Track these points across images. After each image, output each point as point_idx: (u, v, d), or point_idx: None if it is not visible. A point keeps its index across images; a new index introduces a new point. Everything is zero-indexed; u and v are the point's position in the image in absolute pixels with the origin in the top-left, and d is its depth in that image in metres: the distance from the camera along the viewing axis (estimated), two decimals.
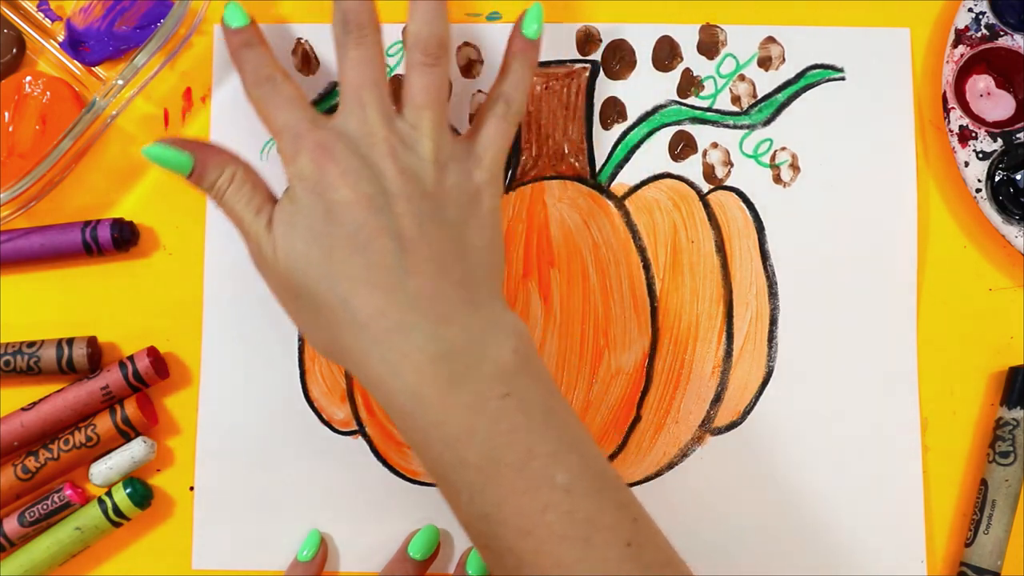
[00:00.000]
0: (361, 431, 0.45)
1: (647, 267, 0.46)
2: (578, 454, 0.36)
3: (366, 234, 0.37)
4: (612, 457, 0.45)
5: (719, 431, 0.45)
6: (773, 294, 0.45)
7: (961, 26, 0.45)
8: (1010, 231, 0.45)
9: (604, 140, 0.46)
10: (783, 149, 0.46)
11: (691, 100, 0.46)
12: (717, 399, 0.45)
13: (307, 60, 0.46)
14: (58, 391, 0.44)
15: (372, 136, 0.38)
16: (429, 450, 0.37)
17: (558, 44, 0.46)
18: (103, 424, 0.44)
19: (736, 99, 0.46)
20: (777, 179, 0.46)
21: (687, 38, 0.46)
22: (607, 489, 0.36)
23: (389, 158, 0.38)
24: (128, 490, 0.43)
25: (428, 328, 0.36)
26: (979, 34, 0.45)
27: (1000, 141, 0.45)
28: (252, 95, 0.40)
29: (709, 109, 0.46)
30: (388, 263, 0.37)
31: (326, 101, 0.46)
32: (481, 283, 0.38)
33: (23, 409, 0.44)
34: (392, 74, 0.46)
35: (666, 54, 0.46)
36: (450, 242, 0.38)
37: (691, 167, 0.46)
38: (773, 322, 0.45)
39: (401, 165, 0.38)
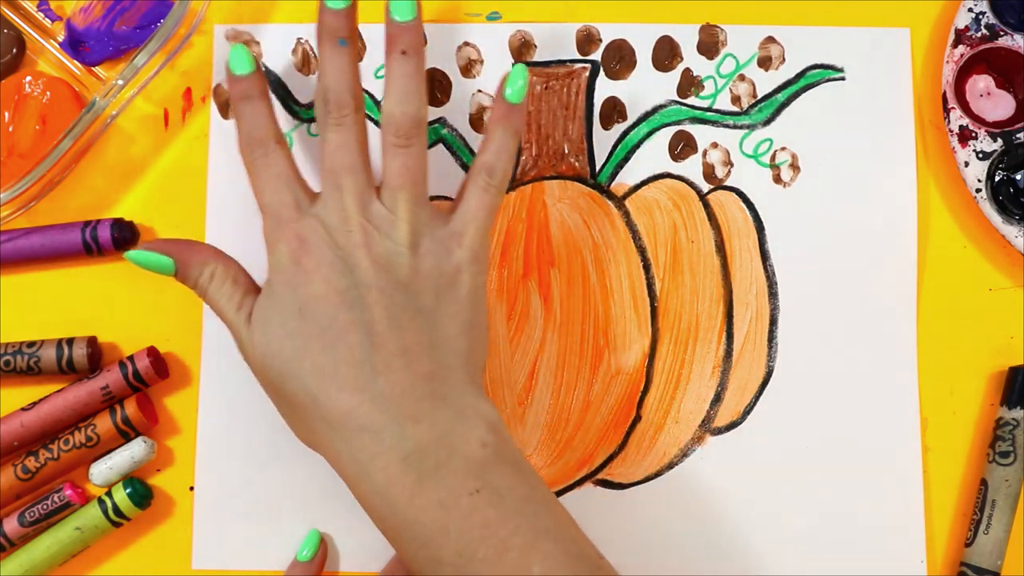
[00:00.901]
0: None
1: (647, 267, 0.46)
2: (553, 541, 0.36)
3: (337, 330, 0.37)
4: (612, 457, 0.45)
5: (719, 431, 0.45)
6: (773, 294, 0.45)
7: (961, 26, 0.45)
8: (1010, 231, 0.45)
9: (604, 140, 0.46)
10: (783, 149, 0.46)
11: (691, 100, 0.46)
12: (717, 399, 0.45)
13: (307, 60, 0.46)
14: (58, 391, 0.44)
15: (348, 223, 0.38)
16: (403, 549, 0.36)
17: (558, 44, 0.46)
18: (103, 424, 0.44)
19: (736, 99, 0.46)
20: (777, 179, 0.46)
21: (687, 38, 0.46)
22: (585, 572, 0.36)
23: (363, 248, 0.38)
24: (128, 490, 0.43)
25: (396, 428, 0.36)
26: (979, 34, 0.45)
27: (1000, 141, 0.45)
28: (244, 156, 0.40)
29: (709, 109, 0.46)
30: (357, 359, 0.37)
31: None
32: (453, 373, 0.38)
33: (23, 409, 0.44)
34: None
35: (666, 54, 0.46)
36: (422, 332, 0.38)
37: (691, 167, 0.46)
38: (773, 322, 0.45)
39: (375, 254, 0.38)
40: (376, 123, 0.46)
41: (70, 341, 0.44)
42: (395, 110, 0.39)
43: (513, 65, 0.42)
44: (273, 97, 0.46)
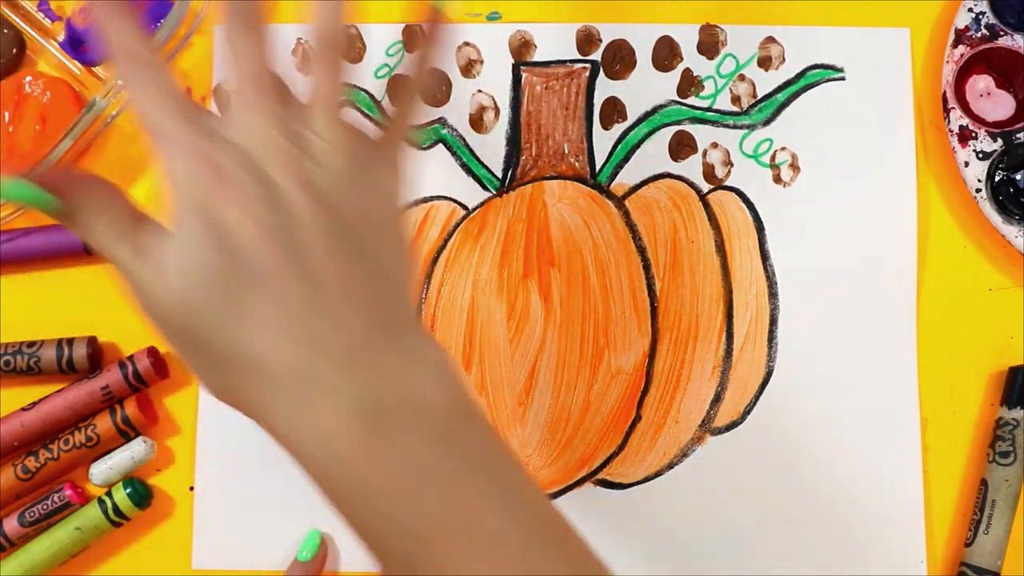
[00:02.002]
0: None
1: (647, 267, 0.46)
2: (508, 490, 0.32)
3: (271, 273, 0.31)
4: (612, 457, 0.45)
5: (719, 431, 0.45)
6: (773, 294, 0.45)
7: (961, 26, 0.45)
8: (1010, 231, 0.45)
9: (604, 140, 0.46)
10: (783, 149, 0.46)
11: (691, 100, 0.46)
12: (717, 399, 0.45)
13: (307, 60, 0.46)
14: (58, 391, 0.44)
15: (269, 146, 0.32)
16: (355, 516, 0.32)
17: (558, 44, 0.46)
18: (103, 424, 0.44)
19: (736, 99, 0.46)
20: (777, 179, 0.46)
21: (687, 38, 0.46)
22: (552, 540, 0.32)
23: (293, 177, 0.32)
24: (128, 490, 0.43)
25: (346, 379, 0.31)
26: (979, 34, 0.45)
27: (1000, 141, 0.45)
28: (121, 76, 0.33)
29: (709, 109, 0.46)
30: (297, 306, 0.31)
31: None
32: (399, 315, 0.33)
33: (23, 409, 0.44)
34: (392, 75, 0.46)
35: (666, 54, 0.46)
36: (367, 274, 0.33)
37: (691, 167, 0.46)
38: (773, 322, 0.45)
39: (307, 184, 0.32)
40: (377, 123, 0.46)
41: (70, 341, 0.44)
42: (321, 26, 0.34)
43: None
44: None
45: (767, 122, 0.46)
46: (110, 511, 0.43)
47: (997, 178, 0.45)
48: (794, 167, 0.46)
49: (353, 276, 0.32)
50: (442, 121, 0.46)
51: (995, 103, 0.46)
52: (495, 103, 0.46)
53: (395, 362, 0.32)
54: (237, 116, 0.33)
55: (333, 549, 0.45)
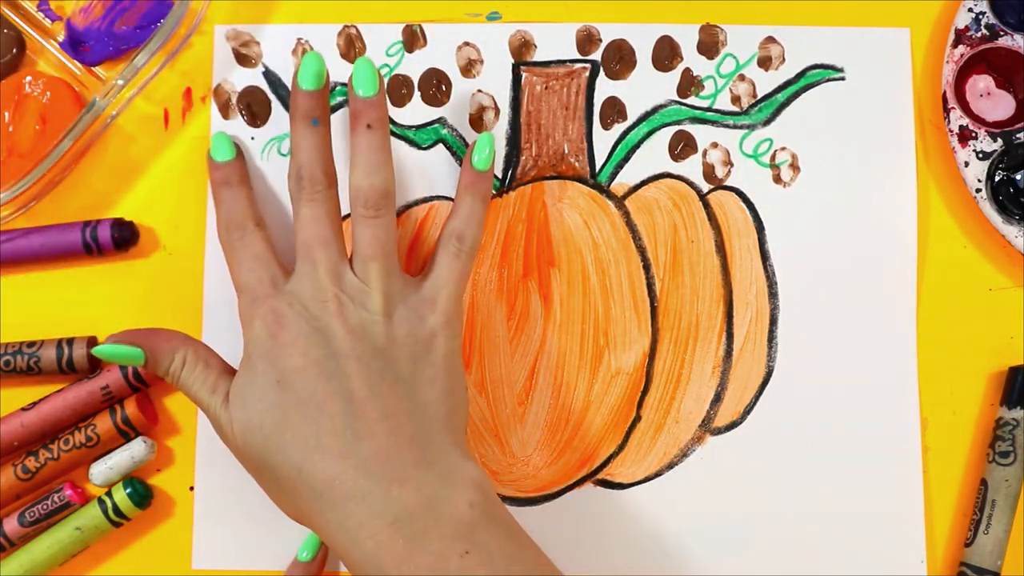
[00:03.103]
0: None
1: (647, 267, 0.46)
2: None
3: (317, 400, 0.37)
4: (612, 457, 0.45)
5: (719, 431, 0.45)
6: (773, 294, 0.45)
7: (961, 26, 0.45)
8: (1010, 231, 0.45)
9: (604, 140, 0.46)
10: (783, 149, 0.46)
11: (691, 100, 0.46)
12: (717, 399, 0.45)
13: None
14: (58, 391, 0.44)
15: (323, 295, 0.39)
16: None
17: (558, 44, 0.46)
18: (103, 424, 0.44)
19: (736, 99, 0.46)
20: (777, 179, 0.46)
21: (687, 38, 0.46)
22: None
23: (338, 318, 0.39)
24: (128, 490, 0.43)
25: (381, 493, 0.36)
26: (979, 34, 0.45)
27: (1000, 141, 0.45)
28: (221, 239, 0.42)
29: (709, 109, 0.46)
30: (339, 428, 0.37)
31: None
32: (435, 436, 0.38)
33: (23, 409, 0.44)
34: (392, 75, 0.46)
35: (666, 54, 0.46)
36: (402, 399, 0.38)
37: (691, 167, 0.46)
38: (773, 322, 0.45)
39: (351, 323, 0.39)
40: None
41: (70, 341, 0.44)
42: (363, 183, 0.40)
43: (481, 135, 0.43)
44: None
45: (767, 122, 0.46)
46: (110, 511, 0.43)
47: (997, 178, 0.45)
48: (794, 167, 0.46)
49: (386, 396, 0.38)
50: (442, 121, 0.46)
51: (995, 103, 0.46)
52: (495, 103, 0.46)
53: (427, 479, 0.37)
54: (301, 273, 0.40)
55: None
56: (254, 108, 0.46)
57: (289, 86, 0.46)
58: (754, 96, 0.46)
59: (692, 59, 0.46)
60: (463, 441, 0.40)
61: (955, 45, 0.45)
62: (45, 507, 0.44)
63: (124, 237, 0.45)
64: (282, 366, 0.38)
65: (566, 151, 0.46)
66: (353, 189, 0.40)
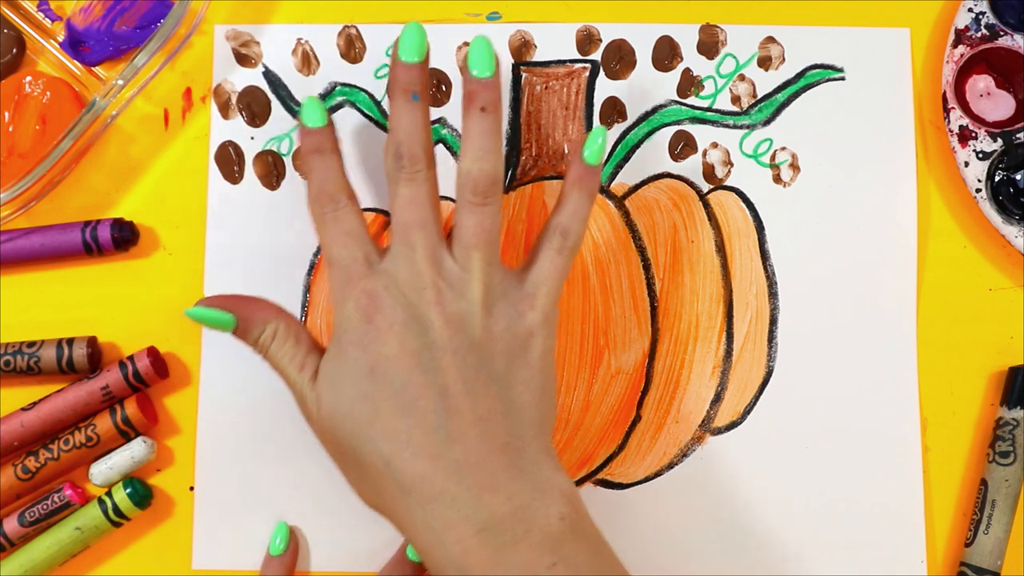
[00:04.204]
0: None
1: (647, 267, 0.46)
2: None
3: (410, 393, 0.36)
4: (612, 457, 0.45)
5: (719, 431, 0.45)
6: (773, 294, 0.45)
7: (961, 26, 0.45)
8: (1010, 231, 0.45)
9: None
10: (783, 149, 0.46)
11: (691, 100, 0.46)
12: (717, 399, 0.45)
13: (307, 60, 0.46)
14: (58, 391, 0.44)
15: (420, 280, 0.37)
16: None
17: (558, 44, 0.46)
18: (103, 424, 0.44)
19: (736, 99, 0.46)
20: (777, 179, 0.46)
21: (687, 38, 0.46)
22: None
23: (436, 306, 0.37)
24: (128, 490, 0.43)
25: (471, 499, 0.35)
26: (979, 34, 0.45)
27: (1000, 141, 0.45)
28: (312, 210, 0.39)
29: (709, 109, 0.46)
30: (432, 425, 0.36)
31: (326, 101, 0.46)
32: (528, 443, 0.37)
33: (23, 409, 0.44)
34: None
35: (666, 54, 0.46)
36: (496, 400, 0.37)
37: (691, 167, 0.46)
38: (773, 322, 0.45)
39: (448, 313, 0.37)
40: (378, 124, 0.46)
41: (70, 341, 0.44)
42: (472, 167, 0.38)
43: (596, 128, 0.41)
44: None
45: (767, 122, 0.46)
46: (110, 511, 0.43)
47: (997, 178, 0.45)
48: (794, 167, 0.46)
49: (480, 395, 0.37)
50: (442, 121, 0.46)
51: (995, 103, 0.46)
52: None
53: (519, 487, 0.36)
54: (398, 255, 0.38)
55: (333, 549, 0.45)
56: (254, 108, 0.46)
57: (289, 86, 0.46)
58: (754, 96, 0.46)
59: (692, 59, 0.46)
60: (553, 448, 0.38)
61: (955, 45, 0.45)
62: (45, 507, 0.44)
63: (124, 237, 0.45)
64: (375, 352, 0.37)
65: (566, 151, 0.46)
66: (462, 174, 0.38)
